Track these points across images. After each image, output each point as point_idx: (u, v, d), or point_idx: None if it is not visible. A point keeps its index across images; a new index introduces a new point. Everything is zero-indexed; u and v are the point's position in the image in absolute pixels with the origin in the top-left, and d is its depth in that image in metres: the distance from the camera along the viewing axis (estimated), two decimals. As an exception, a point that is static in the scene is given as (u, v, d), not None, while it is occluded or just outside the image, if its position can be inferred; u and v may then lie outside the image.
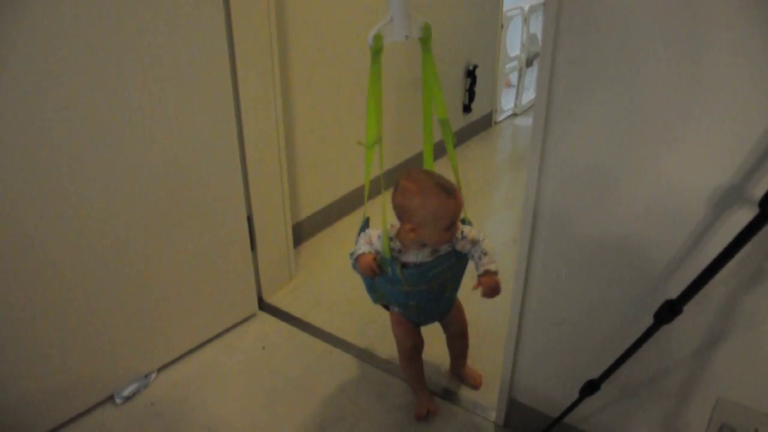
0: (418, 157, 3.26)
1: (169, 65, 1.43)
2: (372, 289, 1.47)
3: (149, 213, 1.51)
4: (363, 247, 1.36)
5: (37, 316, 1.36)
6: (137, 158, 1.44)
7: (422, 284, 1.36)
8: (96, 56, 1.29)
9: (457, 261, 1.38)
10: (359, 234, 1.42)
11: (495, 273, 1.35)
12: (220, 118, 1.61)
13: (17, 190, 1.25)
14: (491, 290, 1.33)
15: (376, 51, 1.26)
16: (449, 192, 1.26)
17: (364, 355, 1.76)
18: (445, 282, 1.40)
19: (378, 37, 1.25)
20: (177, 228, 1.59)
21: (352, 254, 1.39)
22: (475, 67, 3.32)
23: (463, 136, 3.42)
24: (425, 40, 1.34)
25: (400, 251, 1.36)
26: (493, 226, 2.64)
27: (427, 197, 1.26)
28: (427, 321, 1.53)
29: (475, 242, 1.36)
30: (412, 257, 1.35)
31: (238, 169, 1.71)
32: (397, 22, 1.24)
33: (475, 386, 1.64)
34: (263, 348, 1.80)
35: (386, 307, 1.55)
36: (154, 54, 1.40)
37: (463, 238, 1.36)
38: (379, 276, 1.36)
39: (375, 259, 1.35)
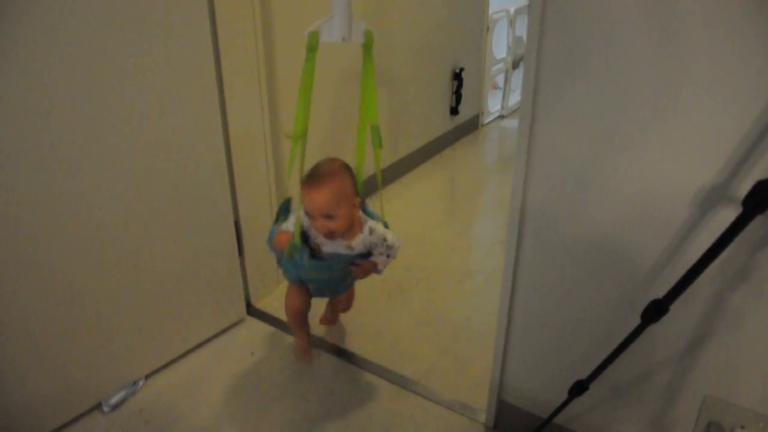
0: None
1: (156, 73, 1.43)
2: (279, 263, 1.52)
3: (136, 219, 1.50)
4: (288, 226, 1.40)
5: (21, 324, 1.35)
6: (125, 165, 1.43)
7: (325, 274, 1.41)
8: (87, 68, 1.29)
9: (364, 257, 1.42)
10: (278, 213, 1.47)
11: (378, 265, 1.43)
12: (206, 124, 1.61)
13: (5, 197, 1.24)
14: (364, 272, 1.44)
15: (311, 48, 1.24)
16: (312, 183, 1.28)
17: (352, 358, 1.76)
18: (347, 274, 1.45)
19: (313, 35, 1.22)
20: (164, 234, 1.58)
21: (273, 228, 1.44)
22: (462, 69, 3.33)
23: (450, 139, 3.42)
24: (367, 45, 1.31)
25: (316, 241, 1.38)
26: (481, 228, 2.65)
27: (301, 189, 1.30)
28: (321, 296, 1.58)
29: (384, 241, 1.39)
30: (329, 247, 1.38)
31: (224, 174, 1.70)
32: (336, 22, 1.18)
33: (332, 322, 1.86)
34: (252, 353, 1.79)
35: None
36: (143, 64, 1.39)
37: (372, 233, 1.38)
38: (288, 259, 1.40)
39: (289, 241, 1.37)
